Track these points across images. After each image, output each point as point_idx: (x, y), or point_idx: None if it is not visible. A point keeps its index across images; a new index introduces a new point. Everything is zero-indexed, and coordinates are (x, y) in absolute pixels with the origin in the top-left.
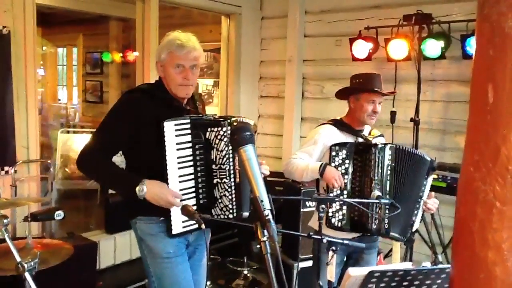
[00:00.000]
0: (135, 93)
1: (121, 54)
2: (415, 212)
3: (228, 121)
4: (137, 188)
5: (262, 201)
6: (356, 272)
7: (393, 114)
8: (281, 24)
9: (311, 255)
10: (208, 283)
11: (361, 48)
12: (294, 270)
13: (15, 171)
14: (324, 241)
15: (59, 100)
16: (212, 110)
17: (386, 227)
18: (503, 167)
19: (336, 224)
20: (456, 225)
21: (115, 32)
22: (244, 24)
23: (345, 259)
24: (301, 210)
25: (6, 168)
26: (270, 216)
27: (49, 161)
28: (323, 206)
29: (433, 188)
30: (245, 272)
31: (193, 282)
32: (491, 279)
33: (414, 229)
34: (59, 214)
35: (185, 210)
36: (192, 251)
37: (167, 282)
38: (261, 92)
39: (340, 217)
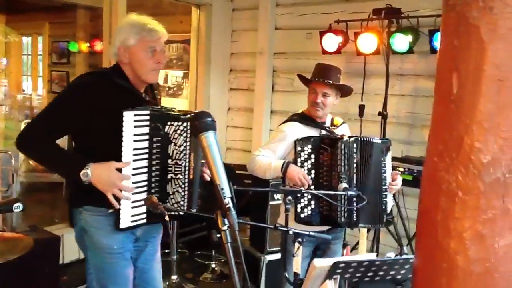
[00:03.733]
0: (91, 76)
1: (88, 44)
2: (383, 196)
3: (189, 116)
4: (81, 173)
5: (222, 189)
6: (321, 263)
7: (361, 107)
8: (252, 16)
9: (279, 248)
10: (175, 277)
11: (331, 42)
12: (262, 263)
13: None
14: (290, 232)
15: (24, 90)
16: (182, 102)
17: (355, 219)
18: (466, 157)
19: (305, 219)
20: (420, 215)
21: (82, 21)
22: (214, 15)
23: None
24: (270, 203)
25: None
26: (230, 204)
27: (9, 152)
28: (290, 197)
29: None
30: (213, 265)
31: (149, 278)
32: (452, 268)
33: (389, 210)
34: (17, 206)
35: (148, 201)
36: (143, 245)
37: (105, 275)
38: (231, 85)
39: (310, 212)
